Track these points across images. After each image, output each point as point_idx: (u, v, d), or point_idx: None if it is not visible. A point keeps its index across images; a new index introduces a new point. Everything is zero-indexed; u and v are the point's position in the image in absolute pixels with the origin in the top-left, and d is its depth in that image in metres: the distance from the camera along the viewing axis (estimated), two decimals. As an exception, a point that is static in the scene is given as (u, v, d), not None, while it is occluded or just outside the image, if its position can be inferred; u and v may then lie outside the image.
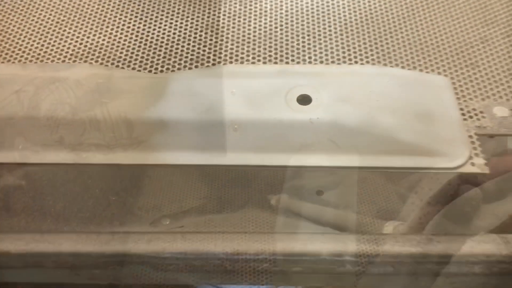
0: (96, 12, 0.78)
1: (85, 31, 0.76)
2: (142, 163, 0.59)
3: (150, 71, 0.70)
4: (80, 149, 0.61)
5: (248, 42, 0.74)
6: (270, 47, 0.73)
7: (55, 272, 0.64)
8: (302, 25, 0.76)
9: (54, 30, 0.76)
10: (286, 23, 0.76)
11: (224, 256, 0.61)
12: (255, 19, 0.77)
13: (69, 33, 0.76)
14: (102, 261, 0.63)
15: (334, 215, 1.12)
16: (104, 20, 0.77)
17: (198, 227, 1.25)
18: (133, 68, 0.71)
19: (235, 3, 0.80)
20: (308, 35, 0.74)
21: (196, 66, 0.71)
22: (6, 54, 0.73)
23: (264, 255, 0.61)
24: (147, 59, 0.72)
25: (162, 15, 0.78)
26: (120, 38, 0.75)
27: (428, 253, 0.60)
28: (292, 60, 0.71)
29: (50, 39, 0.75)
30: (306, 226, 1.12)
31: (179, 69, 0.70)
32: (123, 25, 0.77)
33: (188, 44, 0.74)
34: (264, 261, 0.61)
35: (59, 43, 0.74)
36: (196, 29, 0.76)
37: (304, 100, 0.62)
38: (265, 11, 0.78)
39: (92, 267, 0.64)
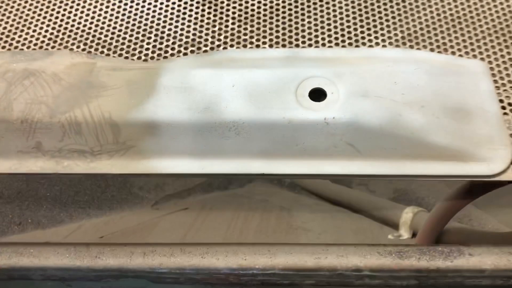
0: (76, -12, 0.68)
1: (65, 10, 0.66)
2: (131, 173, 0.52)
3: (139, 58, 0.61)
4: (60, 157, 0.53)
5: (252, 21, 0.64)
6: (277, 26, 0.63)
7: (45, 284, 0.60)
8: (314, -2, 0.65)
9: (30, 10, 0.66)
10: (296, -3, 0.66)
11: (228, 271, 0.55)
12: (259, -7, 0.66)
13: (46, 12, 0.66)
14: (93, 274, 0.58)
15: (345, 192, 1.05)
16: (85, -3, 0.67)
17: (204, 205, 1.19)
18: (120, 54, 0.62)
19: (236, -28, 0.69)
20: (321, 11, 0.64)
21: (192, 51, 0.62)
22: (-25, 39, 0.64)
23: (274, 270, 0.55)
24: (135, 43, 0.63)
25: (152, -12, 0.68)
26: (105, 18, 0.65)
27: (456, 268, 0.54)
28: (303, 42, 0.61)
29: (25, 20, 0.66)
30: (316, 203, 1.06)
31: (172, 54, 0.61)
32: (108, 1, 0.67)
33: (183, 24, 0.64)
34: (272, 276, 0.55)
35: (36, 25, 0.65)
36: (192, 5, 0.66)
37: (318, 95, 0.53)
38: (271, -16, 0.67)
39: (83, 280, 0.59)
